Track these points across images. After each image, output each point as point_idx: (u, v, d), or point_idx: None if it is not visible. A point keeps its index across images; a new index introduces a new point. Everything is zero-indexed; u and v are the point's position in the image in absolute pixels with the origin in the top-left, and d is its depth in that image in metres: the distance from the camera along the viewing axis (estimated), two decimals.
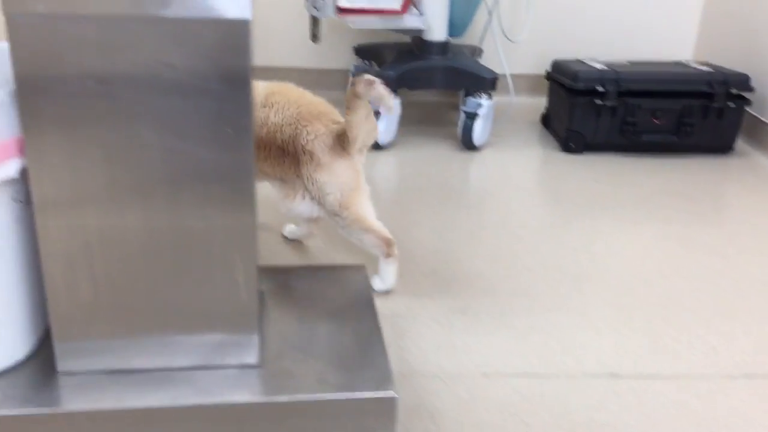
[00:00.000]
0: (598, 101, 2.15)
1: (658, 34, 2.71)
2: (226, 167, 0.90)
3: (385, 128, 2.16)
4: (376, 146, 2.17)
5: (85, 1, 0.82)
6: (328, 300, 1.16)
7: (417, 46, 2.25)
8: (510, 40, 2.47)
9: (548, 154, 2.22)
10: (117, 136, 0.87)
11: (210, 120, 0.88)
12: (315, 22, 1.85)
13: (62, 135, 0.86)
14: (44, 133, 0.86)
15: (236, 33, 0.85)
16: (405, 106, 2.22)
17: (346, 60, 2.63)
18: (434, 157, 2.15)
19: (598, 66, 2.23)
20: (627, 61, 2.34)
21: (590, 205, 1.83)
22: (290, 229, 1.57)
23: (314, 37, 1.96)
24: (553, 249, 1.57)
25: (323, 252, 1.50)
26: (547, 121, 2.43)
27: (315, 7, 1.63)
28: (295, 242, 1.54)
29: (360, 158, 1.31)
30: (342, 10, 2.02)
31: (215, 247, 0.93)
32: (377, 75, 2.16)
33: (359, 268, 1.28)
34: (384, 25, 2.12)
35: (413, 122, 2.43)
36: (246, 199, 0.92)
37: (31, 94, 0.84)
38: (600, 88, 2.14)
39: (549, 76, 2.36)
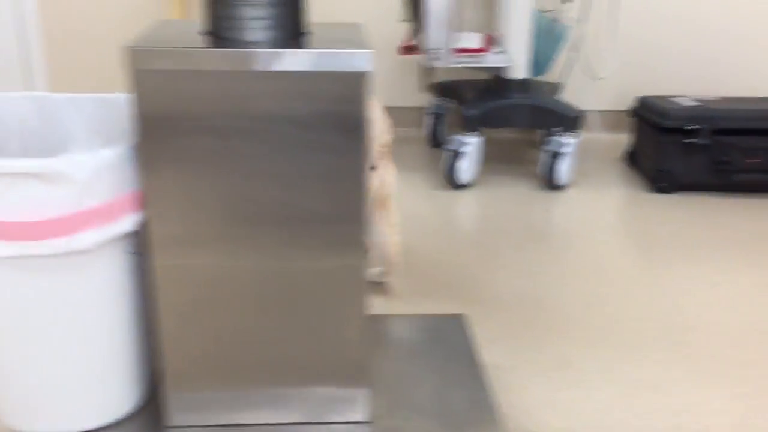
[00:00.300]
0: (689, 139, 2.09)
1: (747, 69, 2.63)
2: (338, 219, 0.89)
3: (467, 167, 2.14)
4: (458, 185, 2.15)
5: (208, 58, 0.83)
6: (430, 352, 1.14)
7: (497, 83, 2.23)
8: (595, 77, 2.43)
9: (636, 194, 2.16)
10: (233, 190, 0.88)
11: (325, 173, 0.88)
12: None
13: (180, 188, 0.87)
14: (164, 185, 0.87)
15: (355, 85, 0.85)
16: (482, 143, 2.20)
17: (421, 98, 2.63)
18: (516, 196, 2.12)
19: (688, 103, 2.17)
20: (718, 97, 2.27)
21: (686, 249, 1.77)
22: (374, 272, 1.55)
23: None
24: (652, 296, 1.52)
25: (409, 298, 1.48)
26: (632, 159, 2.38)
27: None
28: (376, 285, 1.53)
29: (387, 169, 1.31)
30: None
31: (326, 298, 0.92)
32: (458, 113, 2.15)
33: (458, 318, 1.25)
34: (467, 63, 2.12)
35: (492, 160, 2.40)
36: (357, 251, 0.91)
37: (153, 147, 0.85)
38: (691, 126, 2.08)
39: (634, 113, 2.31)
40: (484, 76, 2.36)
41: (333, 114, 0.85)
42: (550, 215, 2.00)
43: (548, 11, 2.26)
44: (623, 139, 2.48)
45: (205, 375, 0.95)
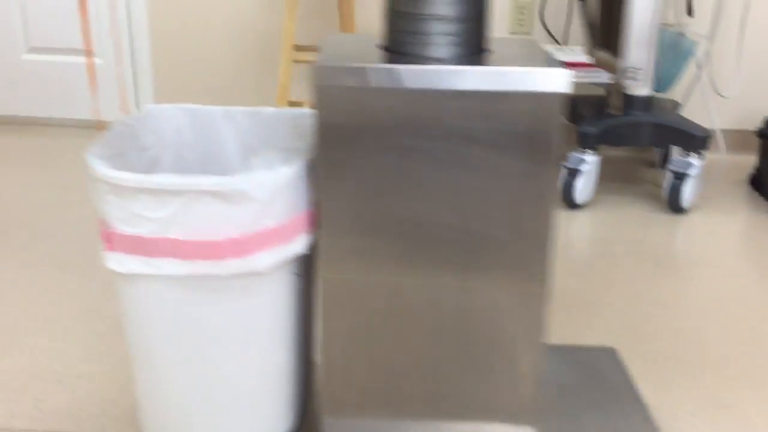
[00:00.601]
0: None
1: None
2: (520, 247, 0.86)
3: (583, 186, 2.08)
4: (574, 205, 2.09)
5: (393, 76, 0.81)
6: (588, 388, 1.09)
7: (616, 100, 2.16)
8: (721, 95, 2.34)
9: (764, 219, 2.06)
10: (411, 210, 0.85)
11: (509, 198, 0.84)
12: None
13: (356, 205, 0.85)
14: (340, 202, 0.85)
15: (548, 107, 0.81)
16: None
17: None
18: (635, 218, 2.04)
19: None
20: None
21: None
22: None
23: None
24: None
25: None
26: (757, 182, 2.27)
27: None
28: None
29: None
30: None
31: (501, 327, 0.89)
32: (573, 130, 2.09)
33: (610, 352, 1.20)
34: (584, 79, 2.06)
35: (606, 179, 2.33)
36: (538, 280, 0.87)
37: (333, 164, 0.84)
38: None
39: (762, 134, 2.21)
40: (587, 91, 2.29)
41: (522, 136, 0.82)
42: (674, 240, 1.92)
43: (673, 25, 2.19)
44: (749, 161, 2.38)
45: (364, 402, 0.92)
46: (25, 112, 2.53)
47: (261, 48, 2.51)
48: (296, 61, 2.20)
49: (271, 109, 1.07)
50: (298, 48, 2.24)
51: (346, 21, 2.19)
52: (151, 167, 1.00)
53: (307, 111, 1.04)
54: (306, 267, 0.93)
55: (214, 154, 1.08)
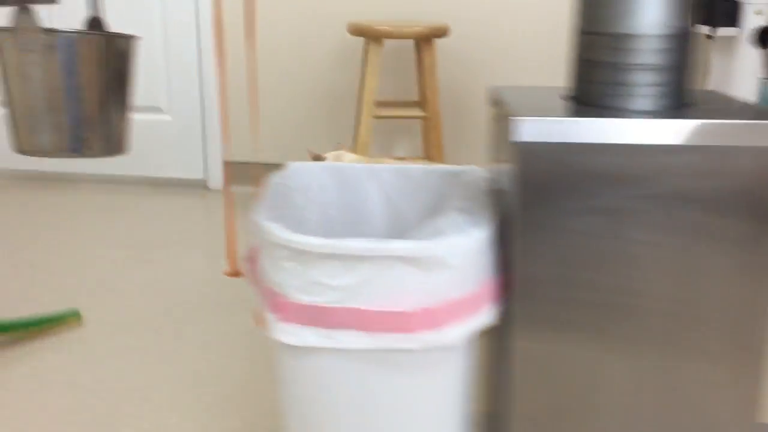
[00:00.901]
0: None
1: None
2: (738, 323, 0.77)
3: None
4: None
5: (603, 130, 0.74)
6: None
7: None
8: None
9: None
10: (615, 278, 0.77)
11: (728, 266, 0.76)
12: None
13: (555, 270, 0.77)
14: (537, 267, 0.77)
15: None
16: None
17: None
18: None
19: None
20: None
21: None
22: None
23: None
24: None
25: None
26: None
27: None
28: None
29: None
30: None
31: (709, 412, 0.80)
32: None
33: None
34: None
35: None
36: (753, 361, 0.78)
37: (530, 227, 0.77)
38: None
39: None
40: None
41: (747, 196, 0.75)
42: None
43: None
44: None
45: None
46: (85, 168, 2.51)
47: (333, 103, 2.47)
48: (377, 117, 2.16)
49: (418, 167, 1.01)
50: (378, 104, 2.20)
51: (426, 76, 2.16)
52: (299, 227, 0.94)
53: (462, 168, 0.98)
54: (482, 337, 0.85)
55: (358, 212, 1.01)
